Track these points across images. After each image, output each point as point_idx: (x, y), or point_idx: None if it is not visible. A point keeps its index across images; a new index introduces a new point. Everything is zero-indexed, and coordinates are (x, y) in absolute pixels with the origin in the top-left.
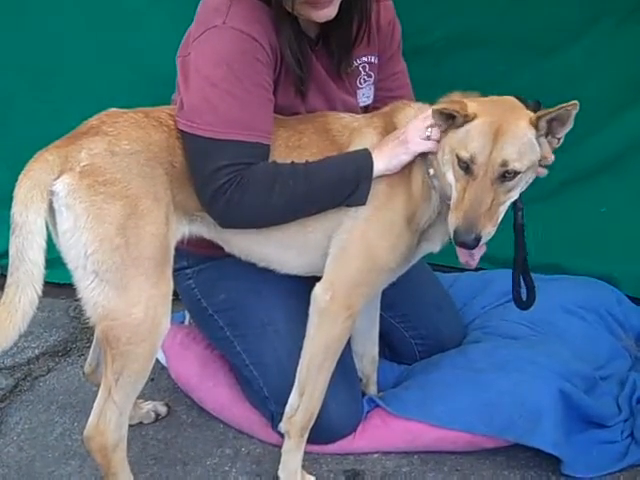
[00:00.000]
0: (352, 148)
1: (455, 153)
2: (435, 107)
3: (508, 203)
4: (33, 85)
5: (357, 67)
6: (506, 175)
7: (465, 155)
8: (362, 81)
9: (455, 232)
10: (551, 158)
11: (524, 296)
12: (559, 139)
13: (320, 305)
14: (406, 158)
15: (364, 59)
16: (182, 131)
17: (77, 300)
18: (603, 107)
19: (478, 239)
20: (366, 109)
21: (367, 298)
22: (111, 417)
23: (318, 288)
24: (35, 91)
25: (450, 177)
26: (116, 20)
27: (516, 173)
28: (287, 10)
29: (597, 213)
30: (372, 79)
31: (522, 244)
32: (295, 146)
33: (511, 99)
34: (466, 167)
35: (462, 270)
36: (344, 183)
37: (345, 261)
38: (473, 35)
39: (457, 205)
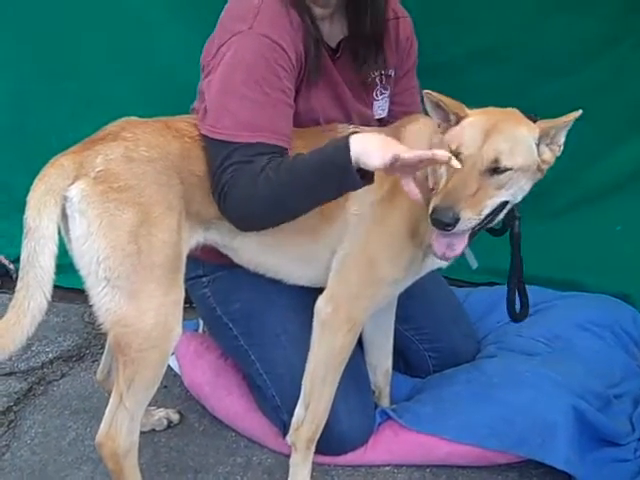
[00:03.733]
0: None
1: (449, 147)
2: (429, 96)
3: (497, 200)
4: (50, 91)
5: (374, 79)
6: (496, 170)
7: (455, 146)
8: (378, 93)
9: (433, 211)
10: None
11: (517, 308)
12: (560, 146)
13: (322, 317)
14: (384, 155)
15: (382, 72)
16: (204, 136)
17: (91, 306)
18: (618, 126)
19: (456, 219)
20: (380, 122)
21: (369, 311)
22: (122, 423)
23: (320, 301)
24: (52, 97)
25: (442, 170)
26: (134, 27)
27: (506, 169)
28: (310, 13)
29: (613, 231)
30: (388, 92)
31: (518, 254)
32: None
33: (515, 110)
34: (457, 156)
35: (476, 285)
36: (326, 168)
37: (346, 274)
38: (490, 53)
39: (440, 190)
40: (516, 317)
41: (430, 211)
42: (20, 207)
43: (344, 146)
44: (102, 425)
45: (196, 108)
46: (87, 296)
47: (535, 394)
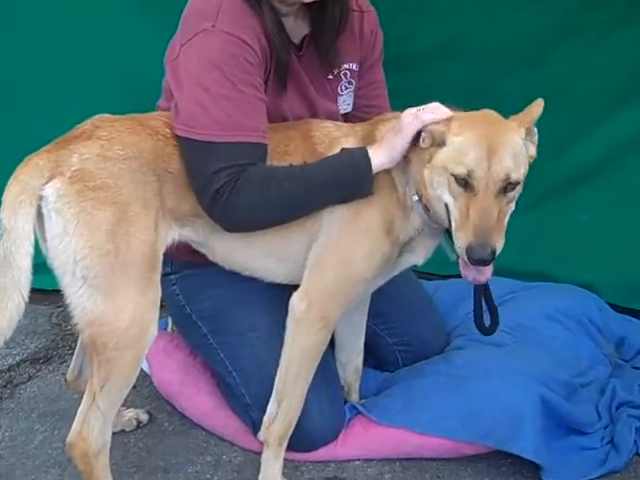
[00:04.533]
0: None
1: (450, 172)
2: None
3: (510, 213)
4: (22, 91)
5: (339, 74)
6: (507, 187)
7: (462, 171)
8: (343, 88)
9: (469, 250)
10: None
11: (487, 321)
12: (536, 136)
13: (295, 314)
14: (403, 144)
15: (346, 66)
16: (179, 136)
17: (59, 307)
18: (584, 116)
19: (494, 253)
20: (345, 116)
21: (343, 308)
22: (95, 424)
23: (294, 297)
24: (24, 97)
25: (447, 197)
26: (101, 26)
27: (517, 183)
28: (274, 10)
29: (578, 222)
30: (353, 87)
31: None
32: (283, 152)
33: (488, 112)
34: (465, 183)
35: (445, 277)
36: (341, 182)
37: (321, 271)
38: (456, 45)
39: (463, 223)
40: (485, 331)
41: (464, 251)
42: None
43: (364, 154)
44: (74, 425)
45: (161, 106)
46: (55, 297)
47: (502, 385)
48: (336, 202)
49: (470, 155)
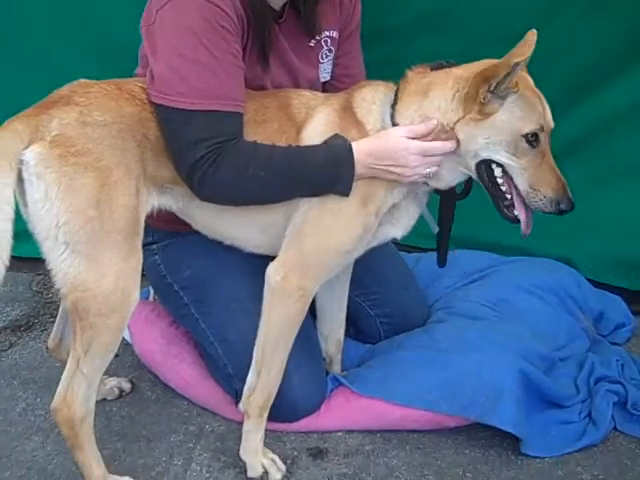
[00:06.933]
0: (308, 126)
1: (519, 132)
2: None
3: None
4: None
5: (320, 41)
6: None
7: (534, 127)
8: (324, 56)
9: (558, 203)
10: None
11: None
12: None
13: (272, 285)
14: (388, 176)
15: (326, 33)
16: (155, 103)
17: (40, 274)
18: (564, 93)
19: None
20: (324, 85)
21: (321, 280)
22: (79, 389)
23: (271, 267)
24: (6, 64)
25: (510, 159)
26: None
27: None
28: None
29: None
30: (332, 55)
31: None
32: (260, 120)
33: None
34: (534, 139)
35: (425, 251)
36: (318, 184)
37: (299, 241)
38: (440, 18)
39: (541, 178)
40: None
41: (551, 203)
42: None
43: (348, 147)
44: (58, 391)
45: (139, 74)
46: (35, 264)
47: (482, 358)
48: (312, 195)
49: (539, 110)
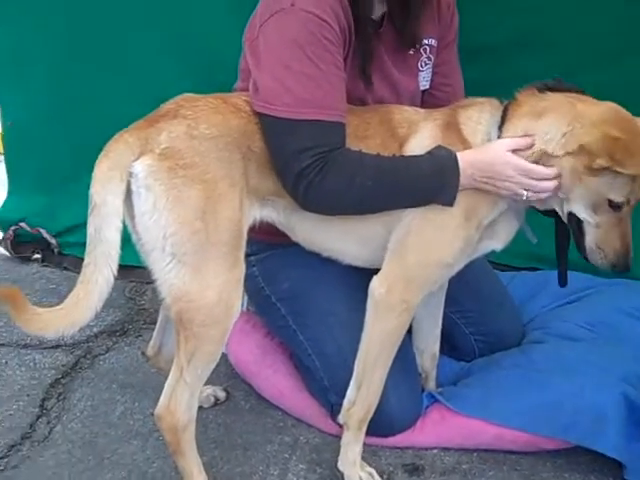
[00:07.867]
0: (412, 140)
1: (606, 197)
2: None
3: None
4: (105, 73)
5: (419, 49)
6: None
7: (620, 199)
8: (423, 64)
9: (616, 266)
10: None
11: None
12: None
13: (376, 298)
14: (491, 189)
15: (425, 42)
16: (260, 114)
17: (132, 281)
18: None
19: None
20: (423, 93)
21: (423, 293)
22: (182, 398)
23: (375, 281)
24: (107, 79)
25: (586, 213)
26: (178, 7)
27: None
28: None
29: None
30: (431, 63)
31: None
32: (362, 136)
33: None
34: (617, 206)
35: (518, 269)
36: (425, 186)
37: (401, 254)
38: (537, 36)
39: (608, 240)
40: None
41: (610, 264)
42: (61, 183)
43: (454, 157)
44: (161, 399)
45: (238, 88)
46: (127, 272)
47: (583, 380)
48: (415, 205)
49: (630, 186)
